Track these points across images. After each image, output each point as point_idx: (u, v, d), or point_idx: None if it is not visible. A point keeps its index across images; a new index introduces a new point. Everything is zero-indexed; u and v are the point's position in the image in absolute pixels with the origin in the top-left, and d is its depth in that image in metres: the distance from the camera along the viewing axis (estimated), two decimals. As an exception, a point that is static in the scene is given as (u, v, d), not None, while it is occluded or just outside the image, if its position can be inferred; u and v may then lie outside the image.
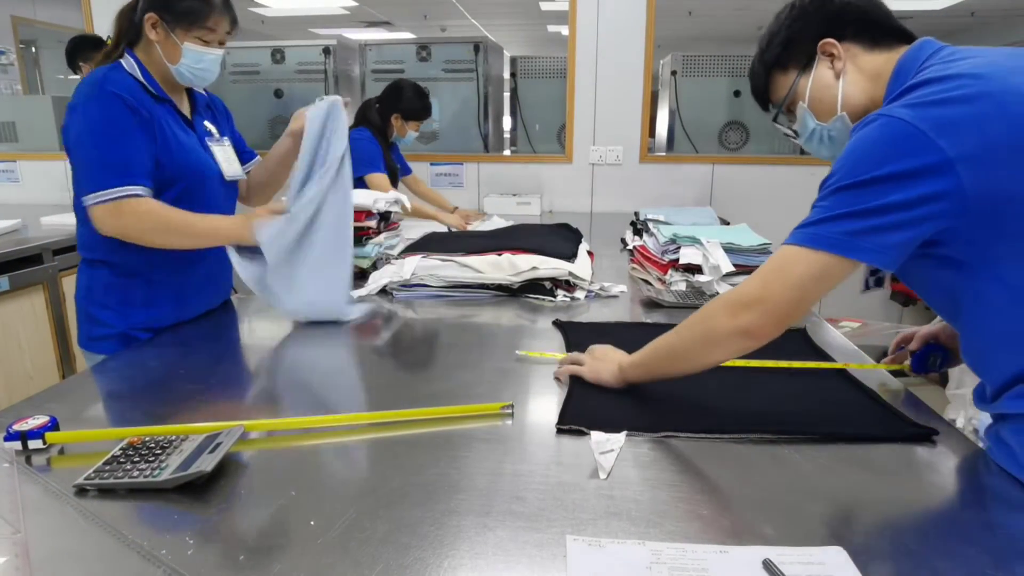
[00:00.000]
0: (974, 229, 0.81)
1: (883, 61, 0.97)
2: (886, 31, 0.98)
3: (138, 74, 1.42)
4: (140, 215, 1.35)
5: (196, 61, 1.44)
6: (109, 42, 1.50)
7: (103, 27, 3.65)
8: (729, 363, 1.15)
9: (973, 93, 0.80)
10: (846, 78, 0.99)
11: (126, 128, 1.35)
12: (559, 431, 0.97)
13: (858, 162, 0.83)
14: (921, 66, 0.90)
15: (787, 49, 1.04)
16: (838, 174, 0.85)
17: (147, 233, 1.38)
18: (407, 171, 3.13)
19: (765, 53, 1.07)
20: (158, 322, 1.48)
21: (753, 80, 1.13)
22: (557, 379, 1.17)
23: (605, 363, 1.12)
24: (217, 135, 1.60)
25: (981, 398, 0.94)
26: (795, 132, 1.10)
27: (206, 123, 1.59)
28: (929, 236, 0.83)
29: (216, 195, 1.55)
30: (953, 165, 0.78)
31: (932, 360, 1.17)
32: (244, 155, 1.73)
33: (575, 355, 1.19)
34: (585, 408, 1.03)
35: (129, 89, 1.37)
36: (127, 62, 1.43)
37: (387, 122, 2.82)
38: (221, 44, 1.47)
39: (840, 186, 0.84)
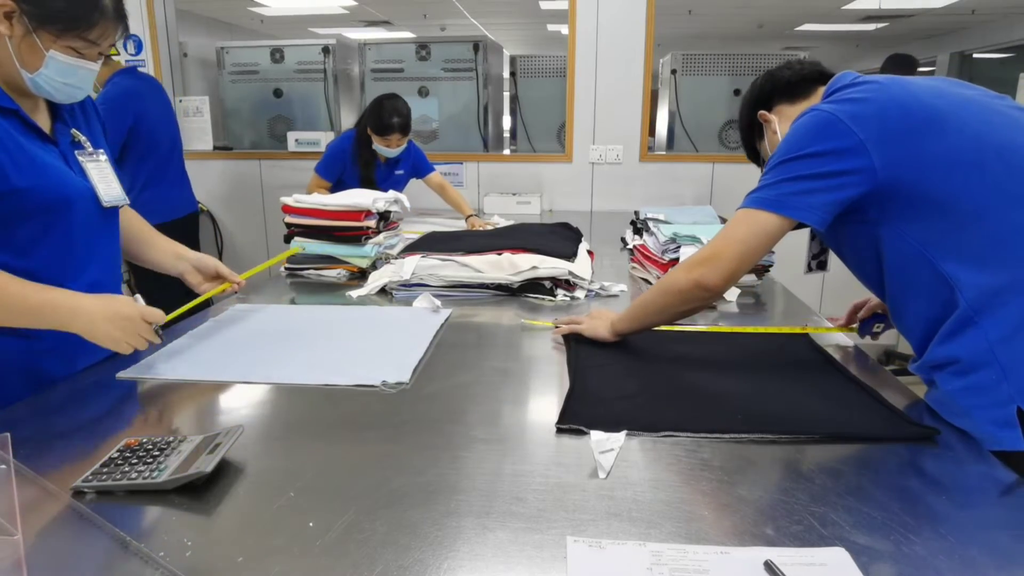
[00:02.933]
0: (883, 196, 1.01)
1: (807, 105, 1.20)
2: (802, 84, 1.25)
3: None
4: None
5: (63, 74, 1.11)
6: None
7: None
8: (700, 329, 1.41)
9: (876, 95, 1.05)
10: (781, 130, 1.25)
11: None
12: (559, 430, 0.97)
13: (793, 143, 1.07)
14: (849, 84, 1.13)
15: (744, 128, 1.37)
16: (778, 153, 1.08)
17: None
18: (425, 172, 3.03)
19: (742, 137, 1.40)
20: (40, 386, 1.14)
21: (750, 156, 1.43)
22: (557, 336, 1.37)
23: (601, 320, 1.32)
24: (90, 148, 1.24)
25: (913, 363, 1.10)
26: None
27: (73, 132, 1.23)
28: (850, 203, 1.03)
29: (91, 224, 1.22)
30: (865, 146, 1.00)
31: (876, 327, 1.41)
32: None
33: (574, 316, 1.41)
34: (585, 407, 1.03)
35: None
36: None
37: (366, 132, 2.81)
38: (100, 55, 1.16)
39: (779, 161, 1.07)
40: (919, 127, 1.00)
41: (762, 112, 1.29)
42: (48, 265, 1.16)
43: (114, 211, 1.30)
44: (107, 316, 1.09)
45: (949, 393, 1.00)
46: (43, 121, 1.20)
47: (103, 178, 1.24)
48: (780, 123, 1.26)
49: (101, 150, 1.27)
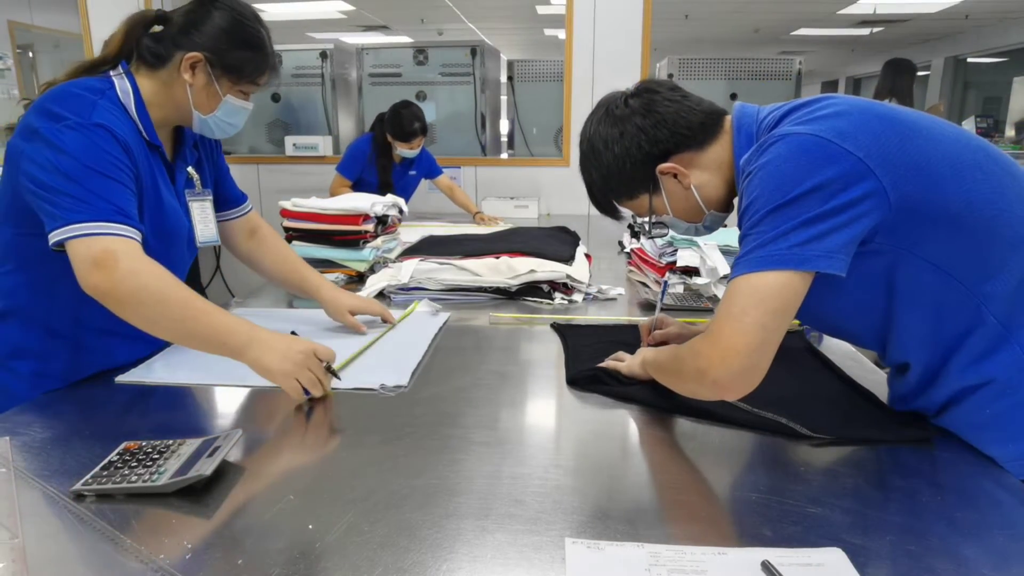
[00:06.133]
0: (897, 219, 0.85)
1: (719, 149, 1.01)
2: (700, 127, 1.00)
3: (132, 109, 1.14)
4: (137, 271, 1.01)
5: (230, 115, 1.23)
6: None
7: (101, 33, 3.64)
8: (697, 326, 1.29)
9: (843, 108, 0.89)
10: (697, 184, 1.02)
11: (119, 166, 1.06)
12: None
13: (780, 182, 0.85)
14: (764, 117, 0.97)
15: (626, 185, 1.05)
16: (762, 199, 0.86)
17: (132, 299, 1.01)
18: (435, 174, 3.35)
19: (607, 191, 1.08)
20: (74, 377, 1.18)
21: (598, 207, 1.13)
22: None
23: (636, 358, 1.13)
24: (199, 187, 1.31)
25: (913, 394, 0.97)
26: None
27: (189, 170, 1.30)
28: (864, 235, 0.85)
29: (178, 259, 1.28)
30: (867, 165, 0.83)
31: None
32: (230, 201, 1.44)
33: (621, 354, 1.19)
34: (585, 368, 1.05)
35: (126, 130, 1.11)
36: (123, 88, 1.14)
37: (386, 136, 3.13)
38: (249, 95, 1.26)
39: (770, 209, 0.84)
40: (909, 134, 0.87)
41: (670, 166, 1.01)
42: None
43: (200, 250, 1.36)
44: (280, 348, 1.05)
45: (995, 416, 0.89)
46: (169, 157, 1.27)
47: (203, 218, 1.31)
48: (695, 175, 1.02)
49: (208, 190, 1.34)
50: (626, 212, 1.13)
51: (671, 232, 1.14)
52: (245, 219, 1.48)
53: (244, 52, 1.18)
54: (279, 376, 1.04)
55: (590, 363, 1.23)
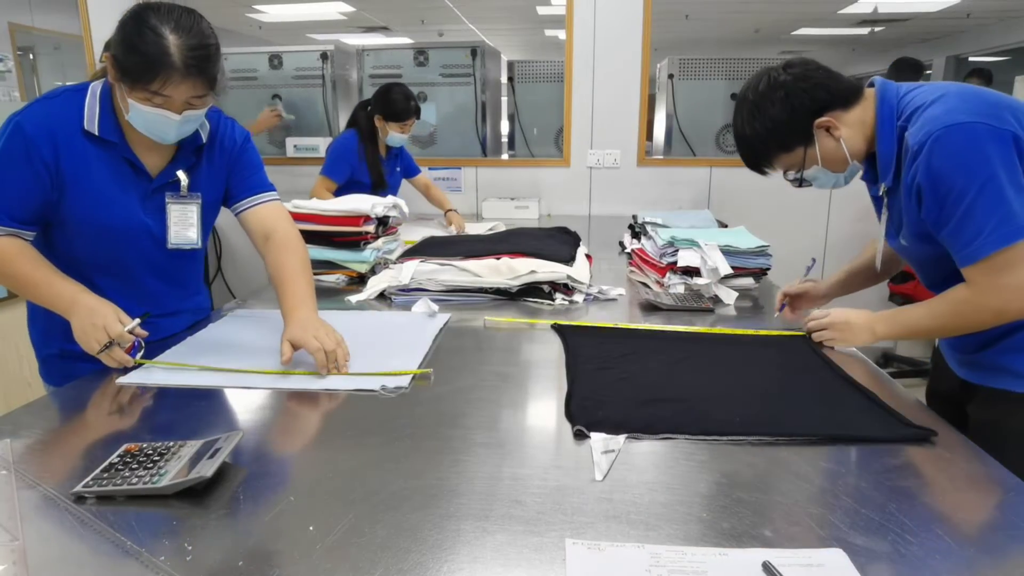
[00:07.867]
0: None
1: (860, 110, 1.24)
2: (848, 90, 1.23)
3: (96, 106, 1.24)
4: None
5: (142, 120, 1.20)
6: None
7: (101, 34, 3.65)
8: (697, 330, 1.39)
9: (985, 94, 1.12)
10: (845, 138, 1.24)
11: (8, 166, 1.19)
12: (576, 434, 0.97)
13: (970, 169, 1.05)
14: (903, 95, 1.20)
15: (787, 137, 1.26)
16: (958, 186, 1.06)
17: None
18: (413, 172, 3.20)
19: (767, 144, 1.28)
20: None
21: (750, 159, 1.32)
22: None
23: (854, 332, 1.30)
24: (185, 190, 1.34)
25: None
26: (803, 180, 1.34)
27: (179, 173, 1.33)
28: None
29: (148, 258, 1.35)
30: (1009, 130, 1.06)
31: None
32: (235, 196, 1.45)
33: (818, 322, 1.36)
34: (584, 410, 1.03)
35: (53, 126, 1.20)
36: (93, 91, 1.25)
37: (373, 124, 2.87)
38: (191, 106, 1.20)
39: (977, 193, 1.05)
40: (1006, 112, 1.09)
41: (826, 120, 1.22)
42: (105, 281, 1.31)
43: (183, 251, 1.38)
44: (78, 320, 1.17)
45: None
46: (154, 157, 1.31)
47: (180, 220, 1.35)
48: (842, 130, 1.23)
49: (196, 194, 1.36)
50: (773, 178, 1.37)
51: (814, 184, 1.33)
52: (259, 218, 1.45)
53: (132, 56, 1.13)
54: (81, 343, 1.17)
55: (590, 364, 1.23)
